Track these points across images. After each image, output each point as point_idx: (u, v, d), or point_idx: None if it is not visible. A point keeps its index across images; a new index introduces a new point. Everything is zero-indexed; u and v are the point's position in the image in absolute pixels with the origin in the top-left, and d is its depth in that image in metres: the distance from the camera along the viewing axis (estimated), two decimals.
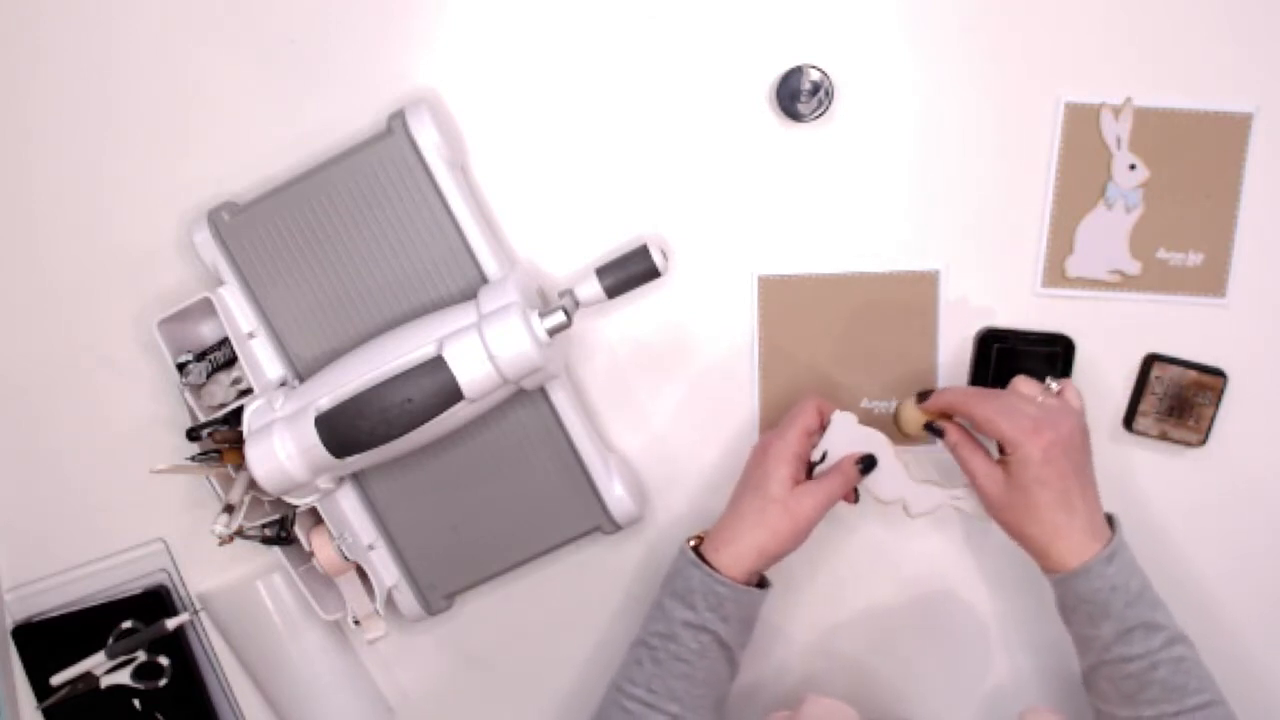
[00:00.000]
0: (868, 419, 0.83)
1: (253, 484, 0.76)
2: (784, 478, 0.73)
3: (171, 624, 0.85)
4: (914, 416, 0.77)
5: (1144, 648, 0.68)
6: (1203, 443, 0.82)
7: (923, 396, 0.77)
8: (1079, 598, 0.70)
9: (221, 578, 0.87)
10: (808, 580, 0.85)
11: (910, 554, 0.85)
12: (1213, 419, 0.82)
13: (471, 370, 0.71)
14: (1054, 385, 0.74)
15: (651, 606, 0.76)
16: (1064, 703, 0.85)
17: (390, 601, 0.84)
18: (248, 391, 0.80)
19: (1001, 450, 0.72)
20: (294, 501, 0.78)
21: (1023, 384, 0.73)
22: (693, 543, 0.76)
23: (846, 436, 0.76)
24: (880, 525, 0.85)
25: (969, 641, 0.86)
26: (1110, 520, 0.72)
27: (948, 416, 0.76)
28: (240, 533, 0.77)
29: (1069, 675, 0.84)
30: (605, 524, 0.82)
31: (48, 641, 0.87)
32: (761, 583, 0.76)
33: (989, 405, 0.71)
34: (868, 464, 0.75)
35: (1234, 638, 0.84)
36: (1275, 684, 0.85)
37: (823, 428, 0.76)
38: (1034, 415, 0.70)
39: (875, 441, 0.76)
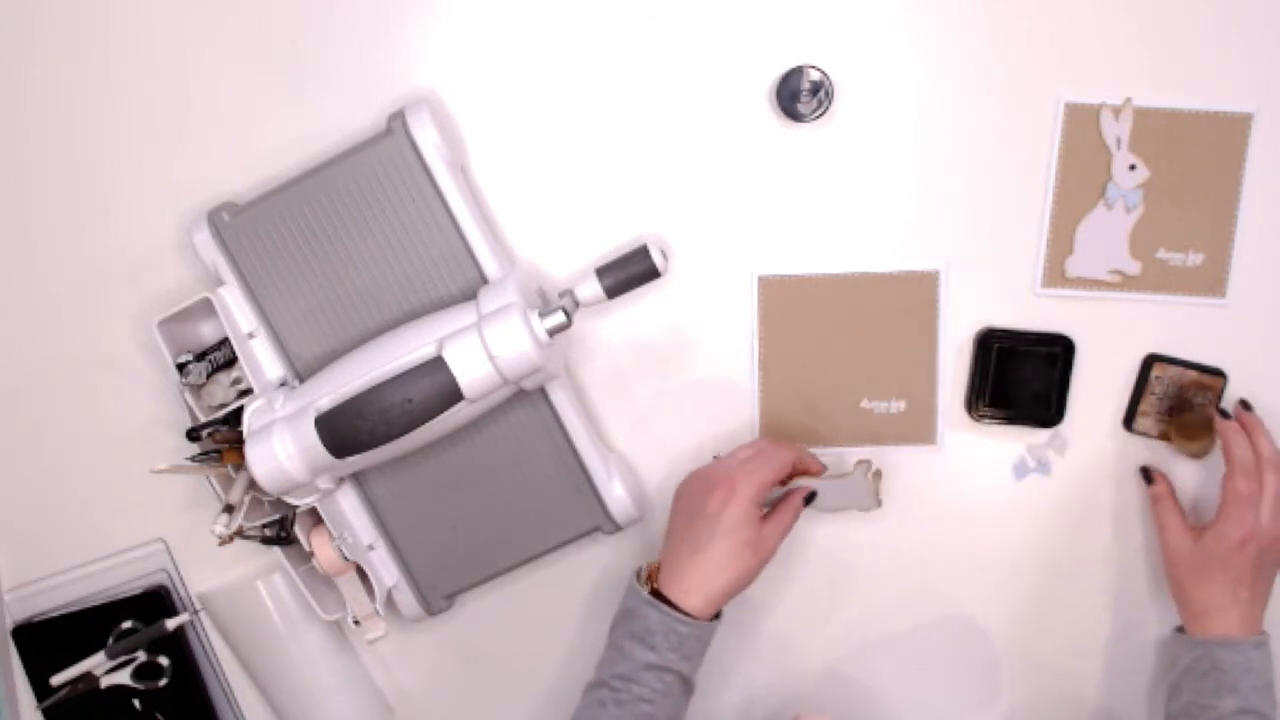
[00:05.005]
0: (867, 419, 0.83)
1: (253, 484, 0.77)
2: (756, 520, 0.74)
3: (171, 624, 0.85)
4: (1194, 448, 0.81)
5: None
6: None
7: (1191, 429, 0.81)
8: (1215, 664, 0.73)
9: (221, 578, 0.87)
10: (800, 599, 0.85)
11: (900, 572, 0.85)
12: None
13: (471, 370, 0.71)
14: None
15: (607, 648, 0.75)
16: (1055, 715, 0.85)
17: (390, 601, 0.84)
18: (248, 391, 0.80)
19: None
20: (294, 501, 0.78)
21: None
22: (645, 578, 0.76)
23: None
24: (869, 543, 0.85)
25: (962, 659, 0.86)
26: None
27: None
28: (240, 533, 0.78)
29: (1058, 691, 0.85)
30: (605, 524, 0.82)
31: (48, 642, 0.87)
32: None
33: (1247, 483, 0.75)
34: (809, 498, 0.78)
35: None
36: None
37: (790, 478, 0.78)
38: (1261, 515, 0.75)
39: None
